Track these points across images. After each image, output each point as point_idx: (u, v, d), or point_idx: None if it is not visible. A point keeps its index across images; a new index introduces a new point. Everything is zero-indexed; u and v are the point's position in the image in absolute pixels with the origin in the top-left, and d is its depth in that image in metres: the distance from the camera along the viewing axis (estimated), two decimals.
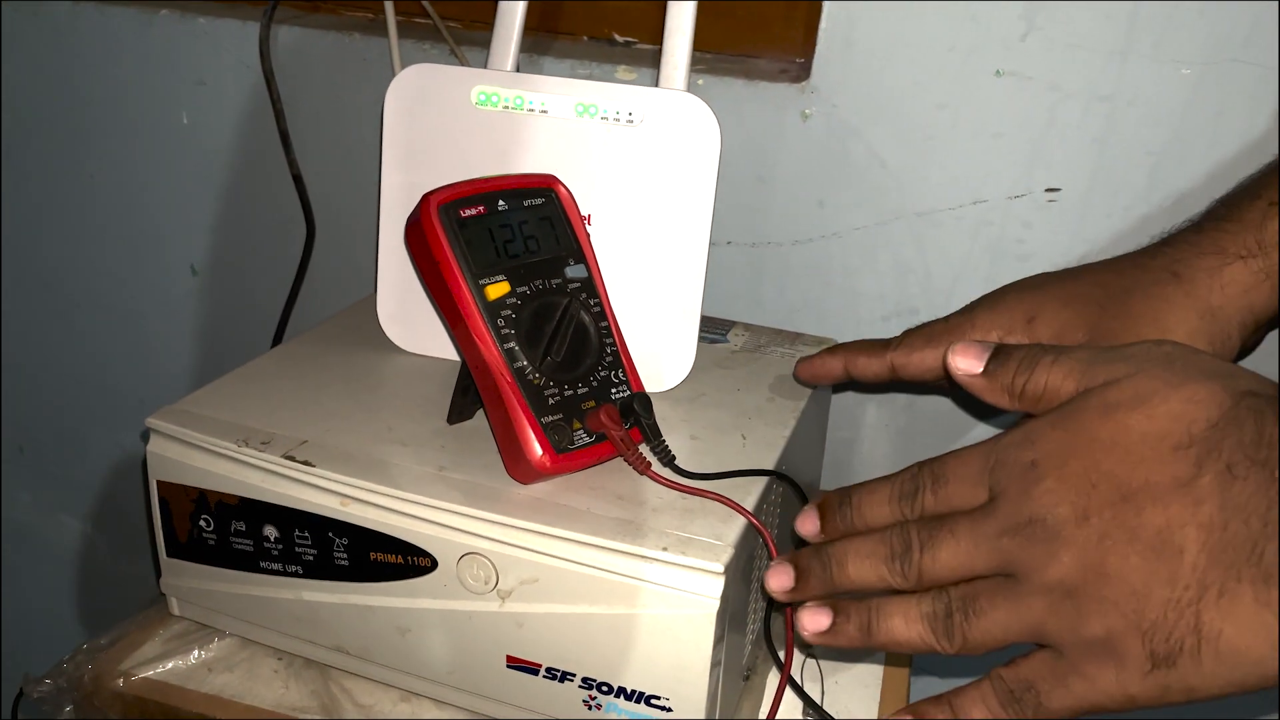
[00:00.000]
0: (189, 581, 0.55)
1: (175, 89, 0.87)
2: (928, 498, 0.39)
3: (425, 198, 0.48)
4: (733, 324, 0.69)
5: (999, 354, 0.40)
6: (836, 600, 0.40)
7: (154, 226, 0.93)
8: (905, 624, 0.38)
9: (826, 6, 0.68)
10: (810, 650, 0.58)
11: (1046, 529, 0.35)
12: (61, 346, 1.01)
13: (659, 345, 0.57)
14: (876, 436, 0.77)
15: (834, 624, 0.40)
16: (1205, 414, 0.34)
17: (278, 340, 0.88)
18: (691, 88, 0.59)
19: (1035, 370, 0.39)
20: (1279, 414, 0.33)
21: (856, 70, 0.69)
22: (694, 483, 0.48)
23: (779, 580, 0.42)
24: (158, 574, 0.56)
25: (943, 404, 0.75)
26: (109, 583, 1.13)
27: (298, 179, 0.83)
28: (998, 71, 0.67)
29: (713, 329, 0.67)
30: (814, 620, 0.40)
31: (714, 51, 0.77)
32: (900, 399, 0.75)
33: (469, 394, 0.53)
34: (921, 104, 0.69)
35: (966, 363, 0.41)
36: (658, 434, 0.49)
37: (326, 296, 0.89)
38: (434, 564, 0.48)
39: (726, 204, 0.59)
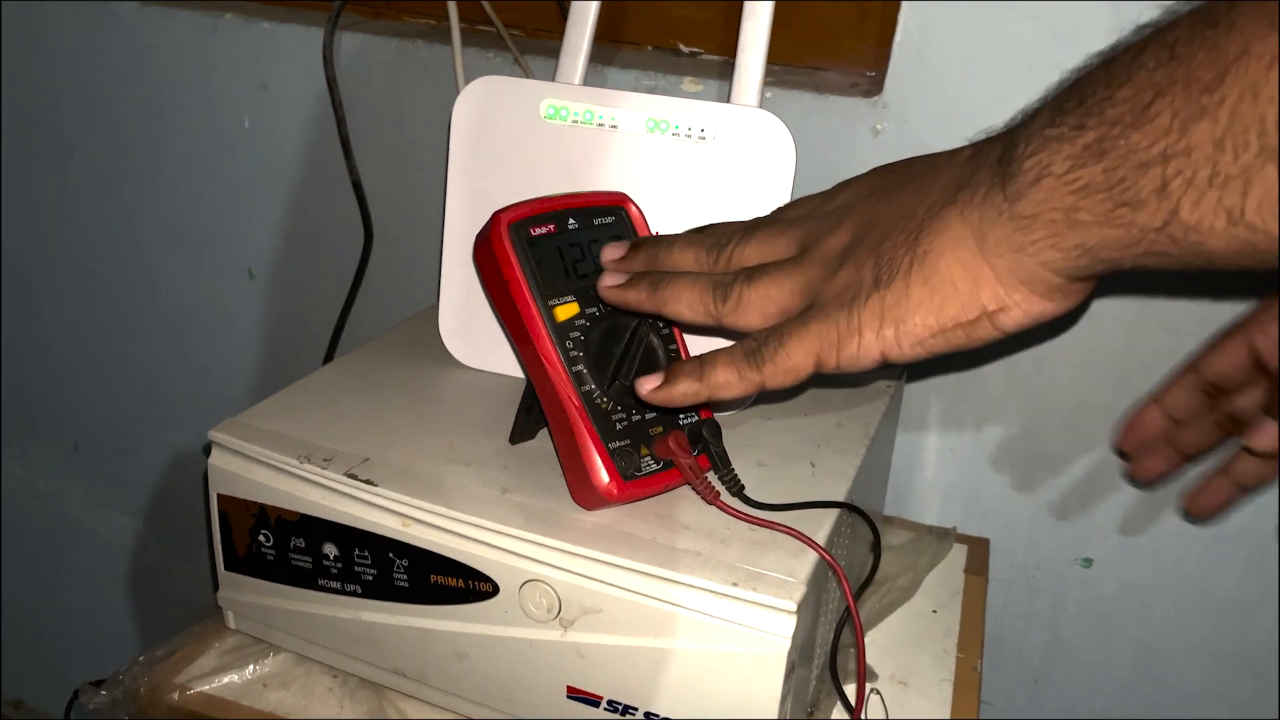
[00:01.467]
0: (246, 596, 0.54)
1: (238, 93, 0.87)
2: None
3: (495, 216, 0.47)
4: None
5: None
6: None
7: (213, 229, 0.93)
8: (689, 287, 0.43)
9: (902, 18, 0.66)
10: (874, 684, 0.56)
11: (841, 210, 0.42)
12: (117, 345, 1.02)
13: None
14: (943, 462, 0.75)
15: (629, 282, 0.45)
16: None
17: (333, 346, 0.88)
18: (760, 100, 0.57)
19: None
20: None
21: (931, 85, 0.67)
22: (764, 514, 0.47)
23: (612, 251, 0.47)
24: (215, 587, 0.55)
25: (1013, 426, 0.72)
26: (160, 580, 1.14)
27: (357, 185, 0.83)
28: None
29: None
30: (612, 277, 0.46)
31: (782, 63, 0.75)
32: (968, 420, 0.73)
33: (532, 413, 0.52)
34: (997, 122, 0.66)
35: None
36: (726, 462, 0.48)
37: (383, 305, 0.88)
38: (495, 589, 0.47)
39: None
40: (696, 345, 0.53)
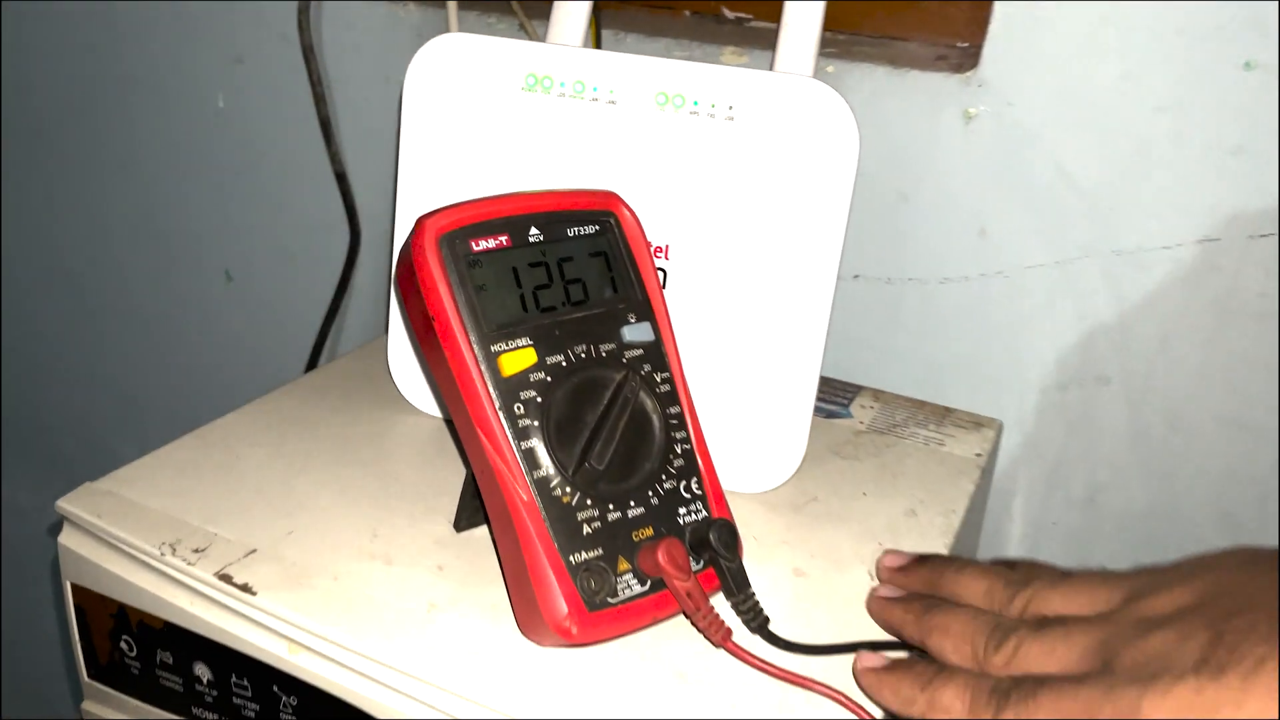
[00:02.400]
0: (114, 713, 0.41)
1: (211, 67, 0.75)
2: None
3: (420, 224, 0.33)
4: (857, 390, 0.52)
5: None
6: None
7: (188, 225, 0.81)
8: (966, 621, 0.32)
9: None
10: None
11: (1195, 569, 0.30)
12: (90, 352, 0.91)
13: (755, 430, 0.41)
14: (1043, 539, 0.59)
15: (901, 598, 0.35)
16: None
17: (314, 357, 0.76)
18: (819, 75, 0.43)
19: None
20: None
21: (1043, 58, 0.52)
22: (796, 660, 0.32)
23: (891, 559, 0.37)
24: (78, 696, 0.43)
25: (1136, 498, 0.56)
26: None
27: (341, 176, 0.70)
28: (1247, 64, 0.48)
29: (830, 396, 0.51)
30: (887, 589, 0.36)
31: (849, 31, 0.60)
32: (1077, 488, 0.57)
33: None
34: (1132, 105, 0.51)
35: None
36: (744, 584, 0.33)
37: (371, 311, 0.76)
38: None
39: (856, 226, 0.44)
40: (714, 408, 0.39)
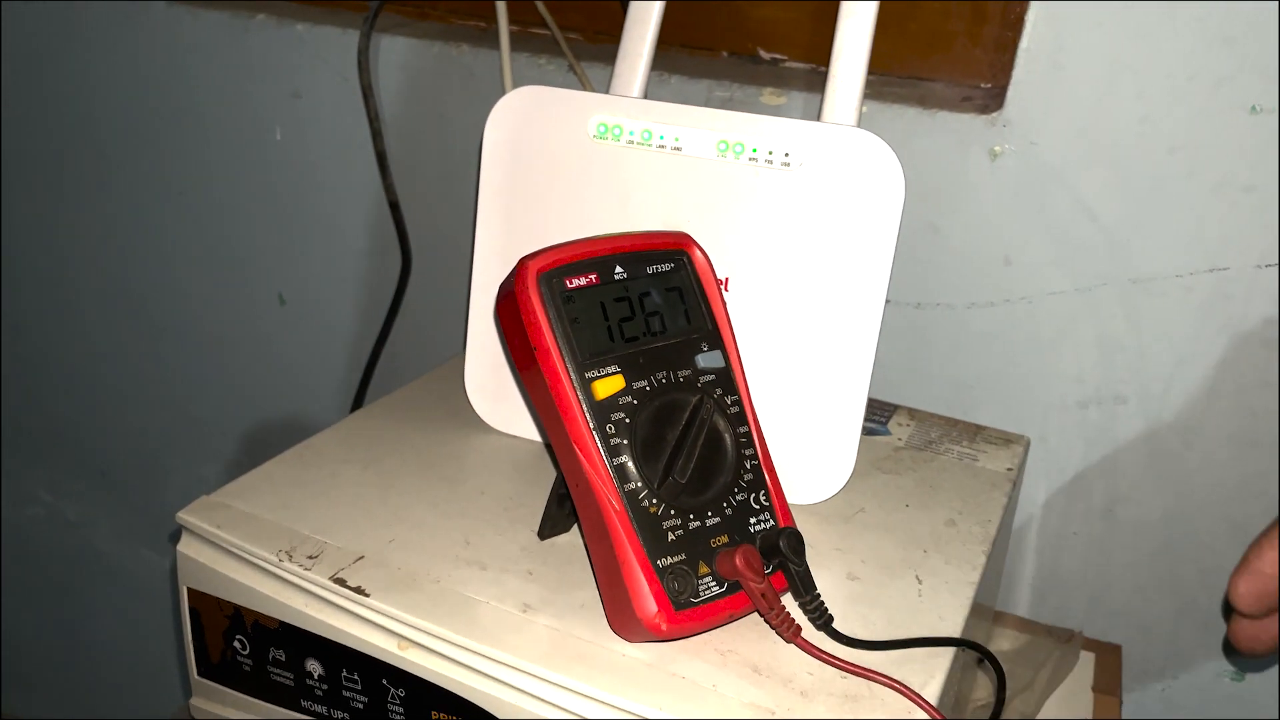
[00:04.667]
0: (222, 709, 0.45)
1: (269, 102, 0.79)
2: None
3: (522, 264, 0.37)
4: (894, 408, 0.56)
5: None
6: None
7: (242, 250, 0.85)
8: None
9: (1030, 19, 0.55)
10: None
11: None
12: (146, 370, 0.95)
13: (808, 446, 0.45)
14: (1064, 548, 0.63)
15: None
16: None
17: (365, 383, 0.80)
18: (858, 119, 0.47)
19: None
20: None
21: (1064, 100, 0.56)
22: (858, 656, 0.36)
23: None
24: (186, 693, 0.46)
25: (1152, 509, 0.60)
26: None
27: (394, 206, 0.75)
28: (1254, 108, 0.52)
29: (870, 415, 0.55)
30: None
31: (879, 72, 0.65)
32: (1096, 500, 0.61)
33: (565, 504, 0.42)
34: (1149, 145, 0.55)
35: None
36: (810, 586, 0.37)
37: (421, 338, 0.80)
38: None
39: None
40: (772, 426, 0.42)
